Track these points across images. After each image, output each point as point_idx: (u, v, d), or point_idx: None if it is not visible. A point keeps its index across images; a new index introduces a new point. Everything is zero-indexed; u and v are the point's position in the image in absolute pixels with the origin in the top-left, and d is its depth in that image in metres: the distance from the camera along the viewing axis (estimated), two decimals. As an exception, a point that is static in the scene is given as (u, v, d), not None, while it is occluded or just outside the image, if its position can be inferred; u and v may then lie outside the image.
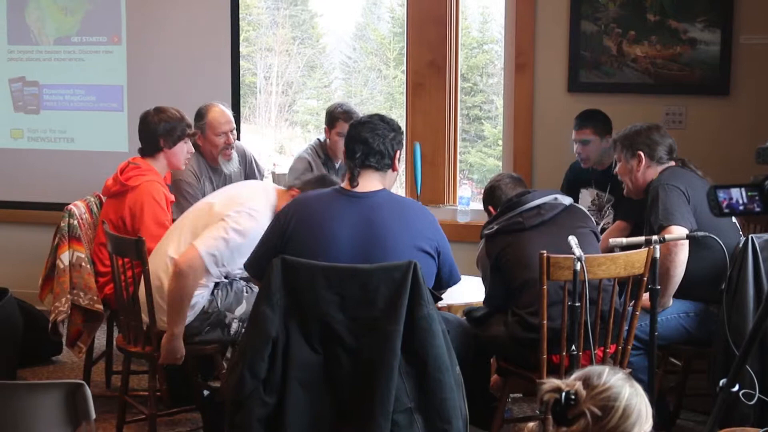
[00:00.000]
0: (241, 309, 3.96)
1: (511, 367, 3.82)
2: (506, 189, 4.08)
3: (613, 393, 2.00)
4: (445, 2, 5.75)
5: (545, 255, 3.49)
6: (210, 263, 3.82)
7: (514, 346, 3.76)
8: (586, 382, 2.03)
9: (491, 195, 4.12)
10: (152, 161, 4.47)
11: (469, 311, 4.06)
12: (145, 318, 3.94)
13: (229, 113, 4.99)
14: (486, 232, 3.92)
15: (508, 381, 3.88)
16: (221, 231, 3.82)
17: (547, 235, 3.75)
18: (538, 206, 3.84)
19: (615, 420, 1.98)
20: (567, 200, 3.92)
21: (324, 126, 5.25)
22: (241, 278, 4.05)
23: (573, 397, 2.00)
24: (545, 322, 3.54)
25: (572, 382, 2.04)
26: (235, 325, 3.97)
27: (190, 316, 3.90)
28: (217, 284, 3.94)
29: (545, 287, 3.50)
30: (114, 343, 4.51)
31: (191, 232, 3.92)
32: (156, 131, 4.44)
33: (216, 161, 4.95)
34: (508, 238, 3.82)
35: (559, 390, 2.02)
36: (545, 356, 3.57)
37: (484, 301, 3.99)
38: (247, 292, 4.01)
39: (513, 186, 4.09)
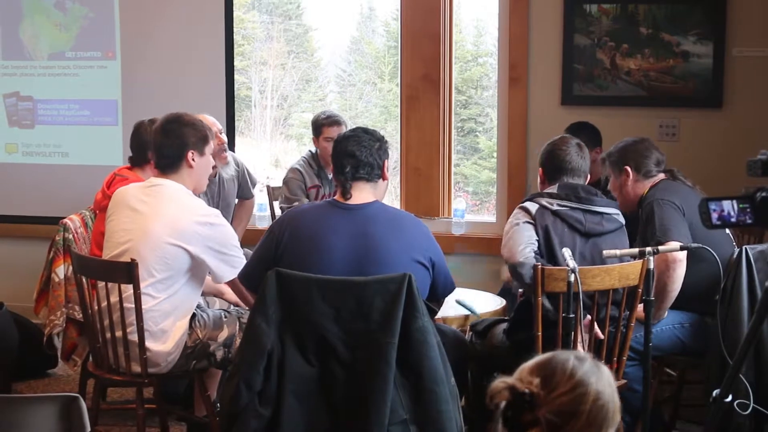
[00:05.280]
0: (224, 335, 3.87)
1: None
2: (568, 163, 3.80)
3: (579, 393, 1.61)
4: (439, 16, 5.77)
5: (539, 266, 3.50)
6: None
7: (513, 356, 3.75)
8: (546, 379, 1.64)
9: (550, 158, 3.85)
10: (140, 172, 4.40)
11: (474, 324, 4.06)
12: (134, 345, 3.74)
13: (212, 118, 4.97)
14: (544, 202, 3.72)
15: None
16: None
17: (596, 251, 3.68)
18: (602, 215, 3.76)
19: (581, 422, 1.61)
20: (622, 219, 3.85)
21: (312, 137, 5.34)
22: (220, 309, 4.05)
23: (528, 399, 1.62)
24: (539, 333, 3.54)
25: (529, 378, 1.64)
26: (220, 353, 3.86)
27: (173, 358, 3.78)
28: (193, 316, 3.84)
29: (540, 299, 3.51)
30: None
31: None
32: (147, 143, 4.35)
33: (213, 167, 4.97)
34: (559, 227, 3.70)
35: (513, 390, 1.63)
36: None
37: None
38: (225, 317, 3.93)
39: (577, 160, 3.81)
